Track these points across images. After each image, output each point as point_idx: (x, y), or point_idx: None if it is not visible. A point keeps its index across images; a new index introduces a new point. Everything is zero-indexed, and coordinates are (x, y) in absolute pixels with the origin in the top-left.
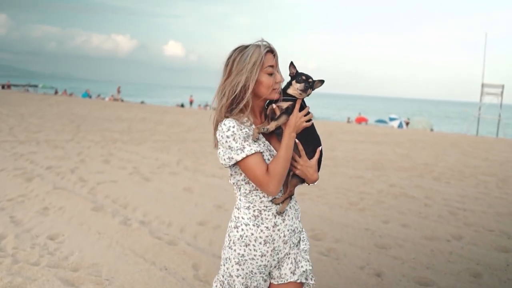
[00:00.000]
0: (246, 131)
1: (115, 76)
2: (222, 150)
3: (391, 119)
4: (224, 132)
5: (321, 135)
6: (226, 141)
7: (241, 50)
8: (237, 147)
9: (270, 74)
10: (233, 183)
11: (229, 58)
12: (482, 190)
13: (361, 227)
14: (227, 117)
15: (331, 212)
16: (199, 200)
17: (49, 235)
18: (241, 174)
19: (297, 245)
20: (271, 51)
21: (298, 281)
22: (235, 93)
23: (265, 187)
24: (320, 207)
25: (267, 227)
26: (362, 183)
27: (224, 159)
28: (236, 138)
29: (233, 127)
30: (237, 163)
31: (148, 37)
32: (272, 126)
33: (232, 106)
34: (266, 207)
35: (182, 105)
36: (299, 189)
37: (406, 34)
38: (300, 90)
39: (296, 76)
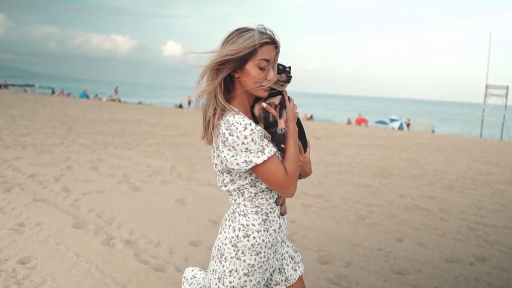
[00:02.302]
0: (260, 129)
1: (114, 77)
2: (232, 153)
3: (392, 120)
4: (240, 132)
5: (323, 138)
6: (243, 142)
7: (242, 32)
8: (257, 148)
9: (263, 69)
10: (233, 189)
11: (228, 37)
12: (499, 200)
13: (373, 247)
14: (229, 110)
15: (339, 228)
16: (192, 214)
17: (20, 258)
18: (246, 178)
19: (285, 241)
20: (272, 42)
21: (300, 274)
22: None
23: (285, 190)
24: (326, 222)
25: (274, 230)
26: (370, 193)
27: (238, 163)
28: (255, 138)
29: (250, 124)
30: (254, 168)
31: (148, 38)
32: (282, 124)
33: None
34: (272, 208)
35: (181, 106)
36: (303, 201)
37: (407, 35)
38: (283, 81)
39: None
